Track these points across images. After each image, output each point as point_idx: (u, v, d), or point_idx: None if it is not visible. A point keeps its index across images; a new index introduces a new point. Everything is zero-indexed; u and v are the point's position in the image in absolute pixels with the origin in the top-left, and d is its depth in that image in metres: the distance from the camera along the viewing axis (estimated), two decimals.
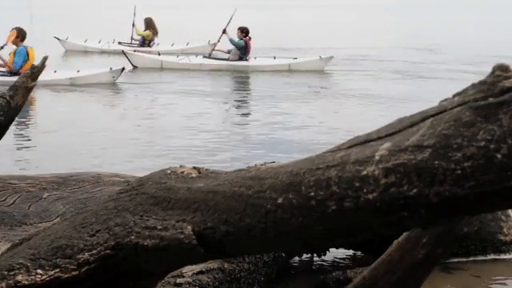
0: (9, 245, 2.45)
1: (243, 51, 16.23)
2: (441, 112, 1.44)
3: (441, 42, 23.44)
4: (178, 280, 3.32)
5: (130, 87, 13.61)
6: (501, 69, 1.40)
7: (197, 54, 17.10)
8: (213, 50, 16.90)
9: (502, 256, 4.43)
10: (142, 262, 1.95)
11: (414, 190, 1.41)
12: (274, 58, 16.62)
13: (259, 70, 16.05)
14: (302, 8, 50.53)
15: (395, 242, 2.67)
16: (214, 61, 16.50)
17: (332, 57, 16.39)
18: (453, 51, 20.20)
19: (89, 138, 8.59)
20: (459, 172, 1.36)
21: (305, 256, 4.45)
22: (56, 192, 4.25)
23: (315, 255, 4.42)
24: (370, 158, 1.48)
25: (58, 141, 8.53)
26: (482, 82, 1.41)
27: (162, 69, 16.30)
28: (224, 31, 16.61)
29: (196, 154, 7.73)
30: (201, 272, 3.41)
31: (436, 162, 1.38)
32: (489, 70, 1.41)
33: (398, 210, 1.45)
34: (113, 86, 13.47)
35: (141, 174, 2.30)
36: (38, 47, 12.82)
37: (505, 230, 4.42)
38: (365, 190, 1.47)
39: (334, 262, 4.48)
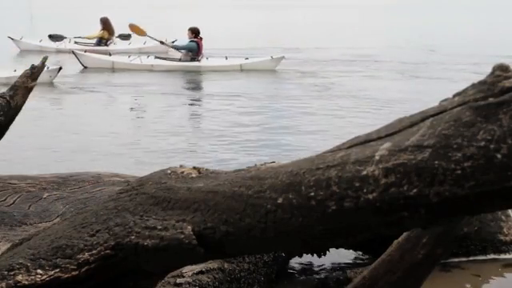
0: (9, 245, 2.45)
1: (195, 52, 16.35)
2: (441, 112, 1.44)
3: (441, 42, 23.43)
4: (178, 280, 3.32)
5: (74, 90, 13.51)
6: (501, 69, 1.40)
7: (151, 54, 17.15)
8: (167, 48, 17.14)
9: (502, 256, 4.43)
10: (142, 262, 1.95)
11: (414, 190, 1.41)
12: (226, 58, 16.74)
13: (211, 70, 16.18)
14: (301, 8, 50.53)
15: (395, 242, 2.68)
16: (165, 61, 16.57)
17: (283, 57, 16.48)
18: (453, 51, 20.19)
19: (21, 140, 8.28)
20: (459, 172, 1.36)
21: (305, 256, 4.45)
22: (56, 192, 4.25)
23: (315, 255, 4.42)
24: (370, 158, 1.48)
25: None
26: (481, 82, 1.41)
27: (113, 69, 16.24)
28: (162, 43, 17.00)
29: (161, 157, 7.71)
30: (201, 272, 3.41)
31: (436, 162, 1.38)
32: (489, 70, 1.41)
33: (398, 209, 1.45)
34: (50, 85, 13.33)
35: (141, 174, 2.30)
36: None
37: (505, 229, 4.42)
38: (365, 190, 1.47)
39: (334, 262, 4.48)
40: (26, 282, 2.04)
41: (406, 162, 1.42)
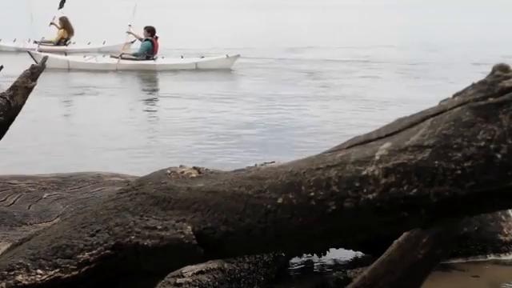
0: (9, 245, 2.45)
1: (150, 51, 16.46)
2: (441, 112, 1.43)
3: (441, 41, 23.42)
4: (178, 280, 3.32)
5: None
6: (501, 69, 1.40)
7: (110, 53, 17.21)
8: (124, 49, 17.18)
9: (502, 256, 4.43)
10: (142, 261, 1.95)
11: (414, 190, 1.41)
12: (182, 57, 16.89)
13: (166, 69, 16.28)
14: (302, 8, 50.52)
15: (395, 241, 2.67)
16: (121, 60, 16.64)
17: (238, 55, 16.52)
18: (453, 51, 20.19)
19: None
20: (459, 172, 1.36)
21: (305, 256, 4.45)
22: (56, 192, 4.25)
23: (315, 255, 4.42)
24: (370, 158, 1.48)
25: None
26: (481, 82, 1.41)
27: (68, 69, 16.24)
28: (129, 26, 17.09)
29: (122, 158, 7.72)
30: (201, 272, 3.41)
31: (436, 162, 1.38)
32: (489, 70, 1.41)
33: (398, 209, 1.45)
34: None
35: (141, 174, 2.31)
36: None
37: (505, 229, 4.42)
38: (365, 190, 1.47)
39: (334, 262, 4.48)
40: (26, 282, 2.04)
41: (406, 162, 1.42)
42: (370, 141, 1.54)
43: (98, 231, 2.02)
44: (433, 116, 1.44)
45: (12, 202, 4.14)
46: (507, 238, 4.42)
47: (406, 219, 1.46)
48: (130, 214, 1.96)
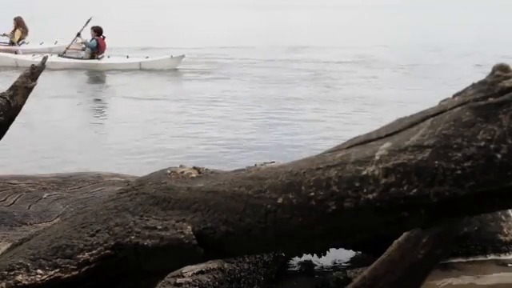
0: (9, 245, 2.45)
1: (96, 50, 16.66)
2: (441, 112, 1.43)
3: (441, 41, 23.42)
4: (178, 280, 3.32)
5: None
6: (501, 69, 1.40)
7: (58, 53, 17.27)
8: (67, 48, 17.25)
9: (502, 256, 4.43)
10: (142, 261, 1.95)
11: (414, 190, 1.41)
12: (127, 57, 17.00)
13: (110, 68, 16.42)
14: (302, 8, 50.51)
15: (395, 241, 2.67)
16: (66, 59, 16.87)
17: (183, 55, 16.57)
18: (453, 51, 20.19)
19: None
20: (459, 172, 1.36)
21: (305, 256, 4.45)
22: (56, 192, 4.25)
23: (315, 255, 4.42)
24: (370, 158, 1.48)
25: None
26: (482, 82, 1.41)
27: (17, 67, 16.27)
28: (78, 34, 17.17)
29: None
30: (201, 272, 3.41)
31: (436, 162, 1.38)
32: (489, 70, 1.41)
33: (398, 209, 1.45)
34: None
35: (141, 174, 2.31)
36: None
37: (505, 229, 4.42)
38: (365, 190, 1.47)
39: (334, 262, 4.48)
40: (26, 282, 2.04)
41: (406, 162, 1.42)
42: (370, 141, 1.53)
43: (98, 231, 2.02)
44: (433, 116, 1.44)
45: (12, 202, 4.14)
46: (507, 238, 4.42)
47: (406, 219, 1.46)
48: (130, 214, 1.96)
